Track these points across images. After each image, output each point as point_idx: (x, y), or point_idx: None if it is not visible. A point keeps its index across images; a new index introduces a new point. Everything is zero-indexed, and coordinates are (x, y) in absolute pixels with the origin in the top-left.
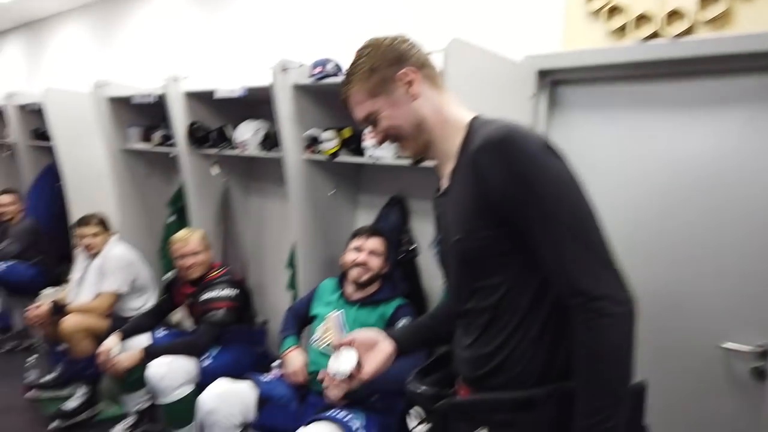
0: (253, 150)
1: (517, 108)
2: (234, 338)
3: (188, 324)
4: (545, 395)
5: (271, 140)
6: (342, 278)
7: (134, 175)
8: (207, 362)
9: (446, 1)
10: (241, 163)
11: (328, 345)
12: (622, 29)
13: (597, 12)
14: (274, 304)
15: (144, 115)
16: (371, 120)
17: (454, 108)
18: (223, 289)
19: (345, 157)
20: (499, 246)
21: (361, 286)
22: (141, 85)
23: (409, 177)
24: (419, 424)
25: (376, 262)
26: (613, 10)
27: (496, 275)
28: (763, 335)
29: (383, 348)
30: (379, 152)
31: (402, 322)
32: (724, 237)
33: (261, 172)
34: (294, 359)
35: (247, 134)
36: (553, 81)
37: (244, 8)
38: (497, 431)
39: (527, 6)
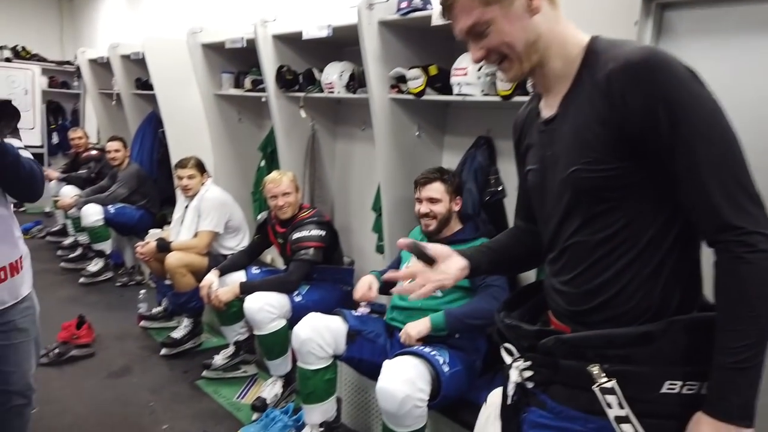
0: (339, 91)
1: (619, 37)
2: (322, 277)
3: (280, 262)
4: (663, 328)
5: (357, 80)
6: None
7: (227, 120)
8: (298, 299)
9: None
10: (327, 106)
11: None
12: None
13: None
14: (360, 245)
15: (236, 60)
16: (476, 31)
17: (571, 27)
18: (312, 230)
19: (431, 96)
20: (626, 178)
21: (434, 233)
22: (233, 30)
23: (497, 116)
24: (515, 360)
25: (438, 208)
26: None
27: (615, 208)
28: None
29: (456, 260)
30: (467, 89)
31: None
32: None
33: (347, 114)
34: (363, 280)
35: (334, 75)
36: (660, 4)
37: None
38: (611, 367)
39: None
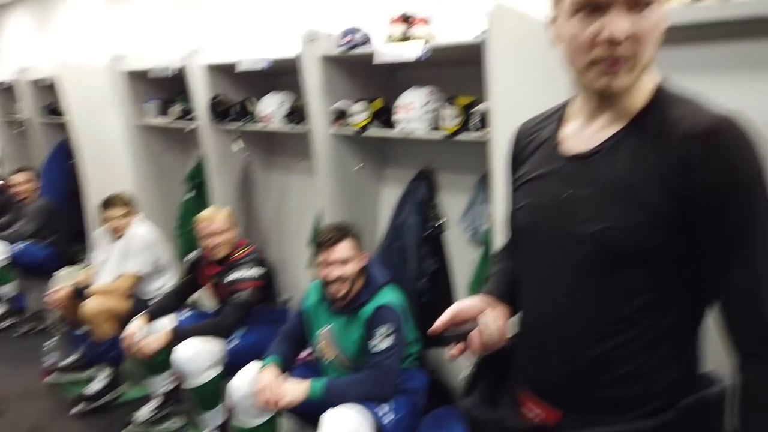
0: (278, 123)
1: (563, 77)
2: (259, 318)
3: (210, 304)
4: (676, 418)
5: (297, 113)
6: (323, 289)
7: (151, 151)
8: (233, 343)
9: None
10: (262, 138)
11: (331, 360)
12: None
13: None
14: (296, 281)
15: (161, 89)
16: (646, 1)
17: None
18: (249, 269)
19: (376, 131)
20: (665, 252)
21: (344, 297)
22: (157, 57)
23: (438, 149)
24: None
25: (349, 269)
26: None
27: (641, 282)
28: None
29: (500, 312)
30: (412, 125)
31: (380, 330)
32: None
33: (283, 146)
34: (262, 377)
35: (272, 107)
36: None
37: None
38: None
39: None
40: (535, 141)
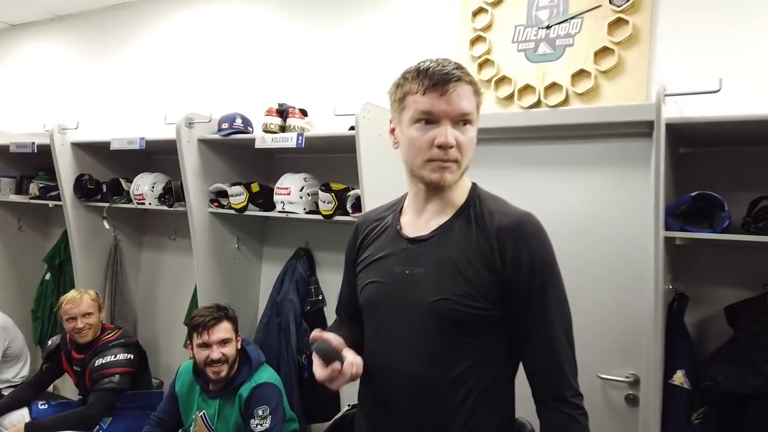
0: (150, 203)
1: None
2: (126, 405)
3: (68, 391)
4: None
5: (175, 193)
6: (195, 371)
7: (5, 229)
8: None
9: (356, 72)
10: (133, 215)
11: None
12: (509, 97)
13: (488, 81)
14: (168, 363)
15: (19, 163)
16: (465, 119)
17: None
18: (118, 354)
19: (254, 212)
20: (489, 319)
21: (223, 380)
22: (17, 132)
23: (315, 228)
24: None
25: (229, 350)
26: (501, 81)
27: (470, 345)
28: (634, 366)
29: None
30: (290, 207)
31: (258, 411)
32: (598, 278)
33: (154, 223)
34: None
35: (145, 187)
36: None
37: (130, 59)
38: None
39: None
40: (378, 228)
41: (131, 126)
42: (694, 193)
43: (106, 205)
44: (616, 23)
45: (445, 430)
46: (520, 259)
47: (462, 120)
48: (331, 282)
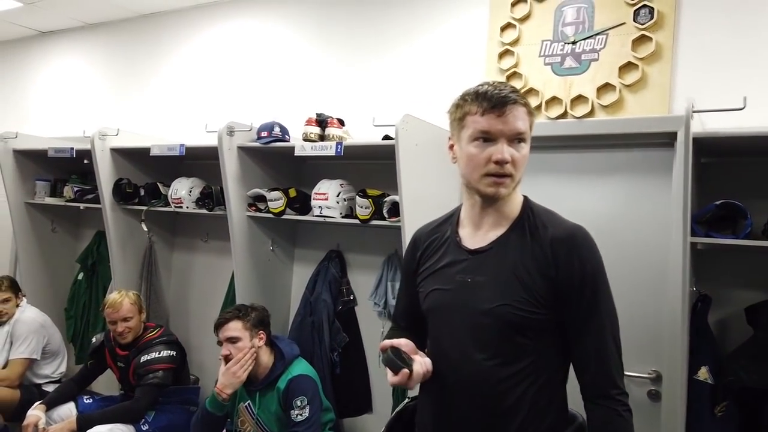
0: (188, 206)
1: (450, 169)
2: (168, 399)
3: (106, 386)
4: None
5: (216, 197)
6: None
7: (39, 230)
8: (145, 428)
9: (391, 85)
10: (166, 217)
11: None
12: (537, 108)
13: None
14: (200, 361)
15: (53, 167)
16: (520, 137)
17: None
18: (161, 351)
19: (293, 216)
20: (545, 323)
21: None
22: (52, 137)
23: (346, 232)
24: None
25: (240, 345)
26: (528, 93)
27: (528, 346)
28: (656, 363)
29: (425, 358)
30: (327, 212)
31: (297, 402)
32: (620, 280)
33: (186, 226)
34: None
35: (182, 191)
36: None
37: (166, 68)
38: None
39: (456, 87)
40: (437, 241)
41: (167, 132)
42: (718, 202)
43: (145, 208)
44: (640, 40)
45: (503, 424)
46: (572, 267)
47: (517, 138)
48: (361, 283)
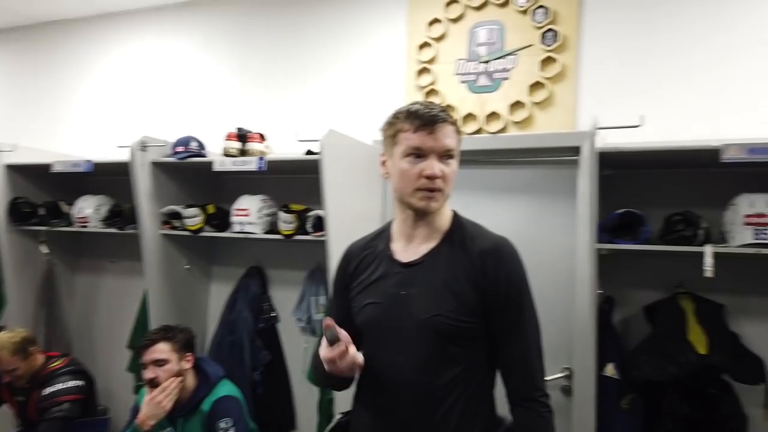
0: (95, 225)
1: (374, 184)
2: None
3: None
4: None
5: (127, 215)
6: None
7: None
8: None
9: (316, 95)
10: (68, 239)
11: None
12: None
13: None
14: (108, 388)
15: None
16: (449, 154)
17: None
18: (67, 381)
19: (212, 233)
20: (475, 331)
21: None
22: None
23: (266, 247)
24: None
25: (167, 368)
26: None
27: (460, 355)
28: (566, 361)
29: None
30: (249, 227)
31: (221, 424)
32: (534, 287)
33: (90, 248)
34: None
35: (89, 210)
36: None
37: (71, 80)
38: None
39: (377, 103)
40: (370, 255)
41: (72, 148)
42: (621, 211)
43: (44, 228)
44: (547, 61)
45: (440, 429)
46: (499, 277)
47: (446, 155)
48: (283, 299)
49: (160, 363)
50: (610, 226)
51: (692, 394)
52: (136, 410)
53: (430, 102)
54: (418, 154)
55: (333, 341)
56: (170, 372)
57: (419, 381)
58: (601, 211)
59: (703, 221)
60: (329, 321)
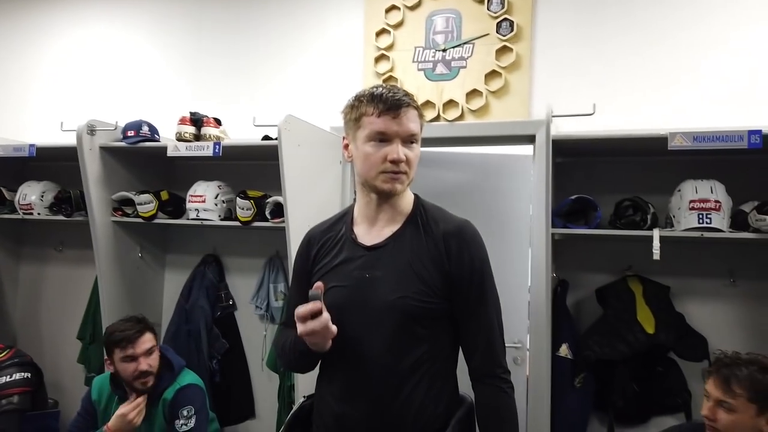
0: (40, 212)
1: (332, 170)
2: (24, 427)
3: None
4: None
5: (75, 202)
6: (116, 385)
7: None
8: None
9: (274, 80)
10: (10, 228)
11: None
12: None
13: None
14: (56, 380)
15: None
16: (412, 139)
17: None
18: (14, 373)
19: (166, 219)
20: (440, 311)
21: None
22: None
23: (221, 236)
24: None
25: (155, 359)
26: None
27: (425, 335)
28: (518, 337)
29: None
30: (205, 214)
31: (184, 411)
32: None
33: (34, 237)
34: None
35: (33, 196)
36: None
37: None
38: None
39: (334, 89)
40: (332, 239)
41: (12, 132)
42: (574, 197)
43: None
44: (502, 50)
45: (406, 407)
46: (463, 259)
47: (410, 139)
48: (241, 287)
49: (150, 351)
50: (563, 212)
51: (640, 371)
52: (88, 401)
53: (393, 86)
54: (383, 138)
55: (313, 300)
56: (156, 359)
57: (385, 361)
58: (554, 198)
59: (651, 207)
60: (320, 284)
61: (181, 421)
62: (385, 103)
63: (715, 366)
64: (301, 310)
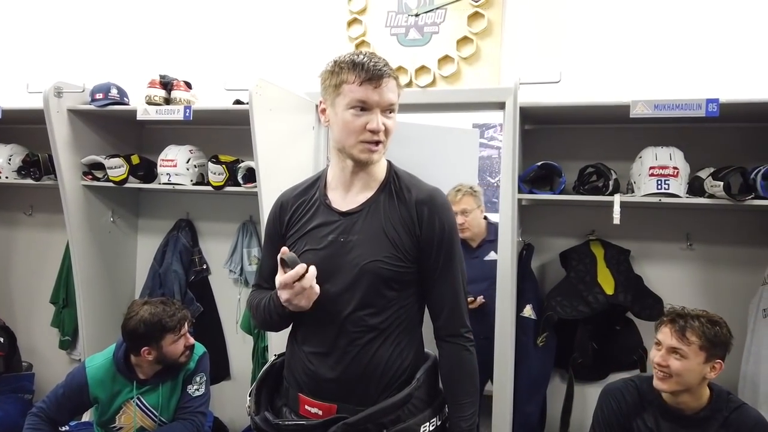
0: (7, 176)
1: (306, 135)
2: (1, 388)
3: None
4: (416, 386)
5: (43, 166)
6: (126, 363)
7: None
8: None
9: (245, 43)
10: None
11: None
12: None
13: None
14: (31, 345)
15: None
16: (391, 108)
17: None
18: None
19: (138, 184)
20: (409, 275)
21: None
22: None
23: (194, 201)
24: None
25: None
26: None
27: (395, 297)
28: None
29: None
30: (176, 179)
31: (197, 378)
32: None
33: (4, 201)
34: None
35: (0, 159)
36: None
37: None
38: (391, 428)
39: (306, 54)
40: (305, 204)
41: None
42: (539, 163)
43: None
44: (474, 16)
45: (374, 362)
46: (433, 225)
47: (389, 109)
48: (214, 251)
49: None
50: (529, 178)
51: (600, 330)
52: (84, 395)
53: (373, 53)
54: (363, 107)
55: (294, 263)
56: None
57: (357, 320)
58: (522, 164)
59: (613, 173)
60: (285, 248)
61: (195, 387)
62: (367, 72)
63: (670, 317)
64: (286, 276)
